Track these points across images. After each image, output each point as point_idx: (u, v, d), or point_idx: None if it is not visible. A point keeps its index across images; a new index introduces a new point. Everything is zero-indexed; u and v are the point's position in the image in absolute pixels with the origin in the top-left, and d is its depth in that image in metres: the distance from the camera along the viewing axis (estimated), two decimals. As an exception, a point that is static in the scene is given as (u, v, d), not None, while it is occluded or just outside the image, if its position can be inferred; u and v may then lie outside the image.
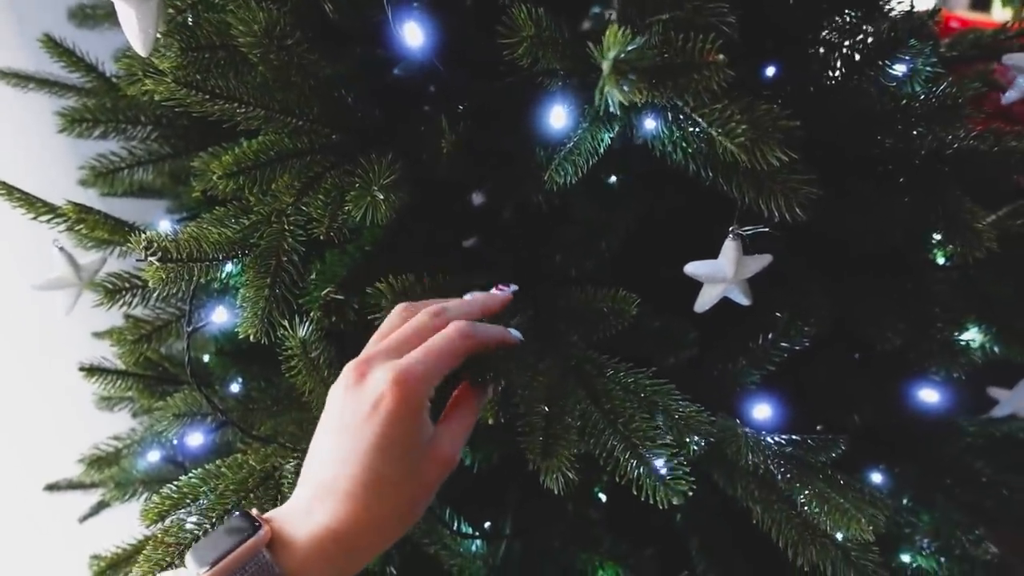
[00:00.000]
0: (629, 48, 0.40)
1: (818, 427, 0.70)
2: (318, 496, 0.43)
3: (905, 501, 0.74)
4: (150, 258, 0.48)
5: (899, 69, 0.64)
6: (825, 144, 0.62)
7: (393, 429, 0.42)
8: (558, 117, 0.51)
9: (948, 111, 0.57)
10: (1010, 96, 0.66)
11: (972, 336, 0.71)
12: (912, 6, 0.70)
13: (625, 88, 0.40)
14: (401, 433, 0.43)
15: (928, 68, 0.63)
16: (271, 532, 0.42)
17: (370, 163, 0.56)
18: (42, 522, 1.14)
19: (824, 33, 0.70)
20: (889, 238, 0.63)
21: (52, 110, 0.77)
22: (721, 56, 0.41)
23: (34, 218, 0.69)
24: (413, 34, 0.54)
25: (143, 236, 0.48)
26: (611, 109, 0.43)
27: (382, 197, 0.52)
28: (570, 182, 0.54)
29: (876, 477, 0.73)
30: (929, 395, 0.73)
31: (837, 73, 0.67)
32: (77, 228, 0.67)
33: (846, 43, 0.68)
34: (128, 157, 0.78)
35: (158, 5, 0.51)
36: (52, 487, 0.97)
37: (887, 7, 0.71)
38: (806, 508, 0.49)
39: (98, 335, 0.86)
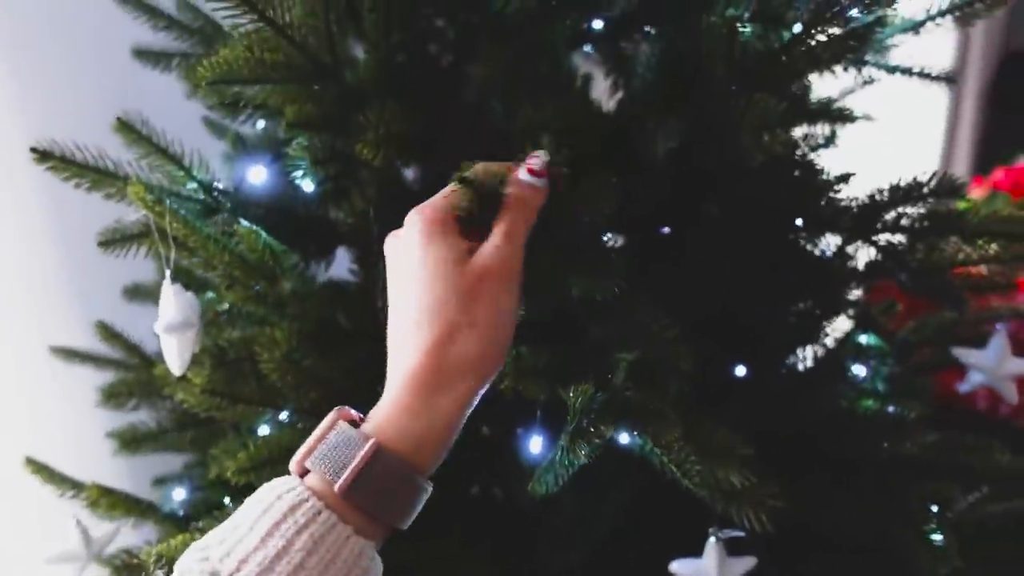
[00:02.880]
0: (593, 406, 0.46)
1: None
2: (393, 349, 0.45)
3: None
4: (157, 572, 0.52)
5: (859, 371, 0.70)
6: (796, 440, 0.66)
7: (425, 250, 0.45)
8: (536, 444, 0.56)
9: (905, 424, 0.62)
10: (964, 387, 0.71)
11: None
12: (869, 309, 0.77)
13: (589, 443, 0.46)
14: (434, 251, 0.44)
15: (885, 368, 0.69)
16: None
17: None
18: None
19: (788, 329, 0.77)
20: (866, 535, 0.65)
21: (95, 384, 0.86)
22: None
23: (61, 495, 0.74)
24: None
25: (154, 549, 0.53)
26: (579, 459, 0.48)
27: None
28: (552, 491, 0.58)
29: None
30: None
31: (803, 368, 0.73)
32: (94, 508, 0.72)
33: (808, 341, 0.74)
34: (155, 428, 0.85)
35: (197, 334, 0.60)
36: None
37: (847, 292, 0.78)
38: None
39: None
